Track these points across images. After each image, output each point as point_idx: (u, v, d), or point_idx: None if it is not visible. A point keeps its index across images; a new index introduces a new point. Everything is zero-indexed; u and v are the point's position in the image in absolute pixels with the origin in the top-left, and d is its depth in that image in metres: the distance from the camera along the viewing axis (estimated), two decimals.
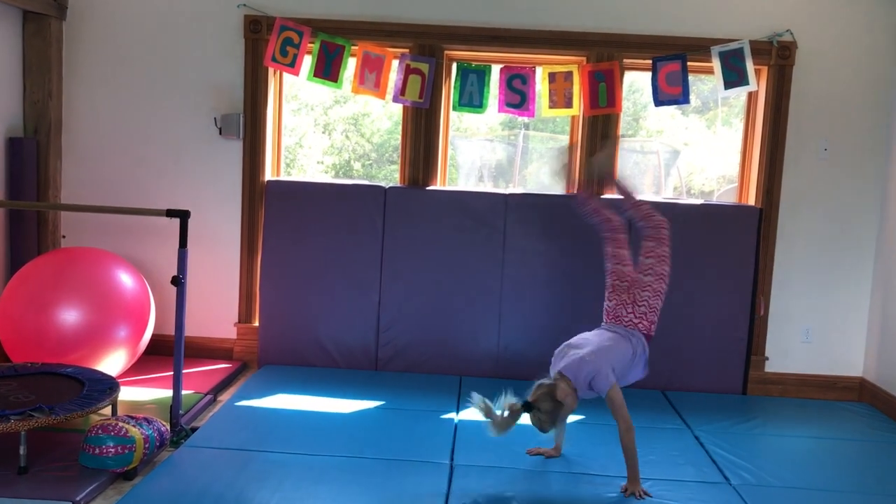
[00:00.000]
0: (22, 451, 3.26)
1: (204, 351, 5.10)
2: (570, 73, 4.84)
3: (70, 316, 4.19)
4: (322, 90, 5.86)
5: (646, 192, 6.86)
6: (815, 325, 5.04)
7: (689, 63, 4.78)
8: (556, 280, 4.94)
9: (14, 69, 4.84)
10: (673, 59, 4.78)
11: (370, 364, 4.99)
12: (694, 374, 4.93)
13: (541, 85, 4.87)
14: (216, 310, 5.14)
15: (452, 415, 4.25)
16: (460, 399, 4.51)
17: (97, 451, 3.30)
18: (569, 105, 4.88)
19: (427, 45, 4.93)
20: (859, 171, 4.95)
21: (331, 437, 3.84)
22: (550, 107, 4.89)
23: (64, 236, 5.10)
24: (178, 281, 3.84)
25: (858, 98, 4.90)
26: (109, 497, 3.19)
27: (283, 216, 4.98)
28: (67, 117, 5.07)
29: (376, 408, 4.32)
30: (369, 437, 3.86)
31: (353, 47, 4.87)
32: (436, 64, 4.89)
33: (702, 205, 4.99)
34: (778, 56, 4.83)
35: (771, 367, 5.06)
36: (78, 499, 3.08)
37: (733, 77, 4.75)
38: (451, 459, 3.65)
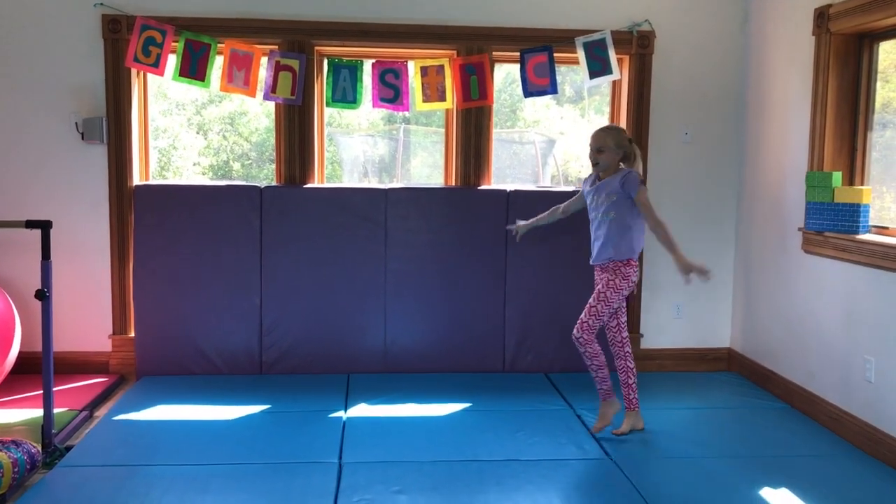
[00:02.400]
0: None
1: (77, 366, 4.88)
2: (441, 67, 4.88)
3: None
4: (193, 89, 5.68)
5: (523, 181, 7.02)
6: (685, 301, 5.29)
7: (555, 54, 4.92)
8: (438, 272, 4.99)
9: None
10: (540, 51, 4.90)
11: (254, 368, 4.90)
12: (574, 355, 5.07)
13: (414, 79, 4.89)
14: (88, 322, 4.92)
15: (341, 413, 4.23)
16: (348, 397, 4.50)
17: None
18: (442, 98, 4.92)
19: (296, 41, 4.87)
20: (719, 154, 5.23)
21: (215, 445, 3.76)
22: (424, 101, 4.92)
23: None
24: (43, 294, 3.65)
25: (715, 84, 5.17)
26: None
27: (155, 221, 4.81)
28: None
29: (262, 412, 4.25)
30: (255, 443, 3.79)
31: (219, 45, 4.75)
32: (306, 60, 4.84)
33: (574, 191, 5.14)
34: (638, 45, 5.03)
35: (646, 343, 5.29)
36: None
37: (597, 67, 4.91)
38: (340, 458, 3.64)
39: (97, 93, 4.81)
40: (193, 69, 4.71)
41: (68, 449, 3.71)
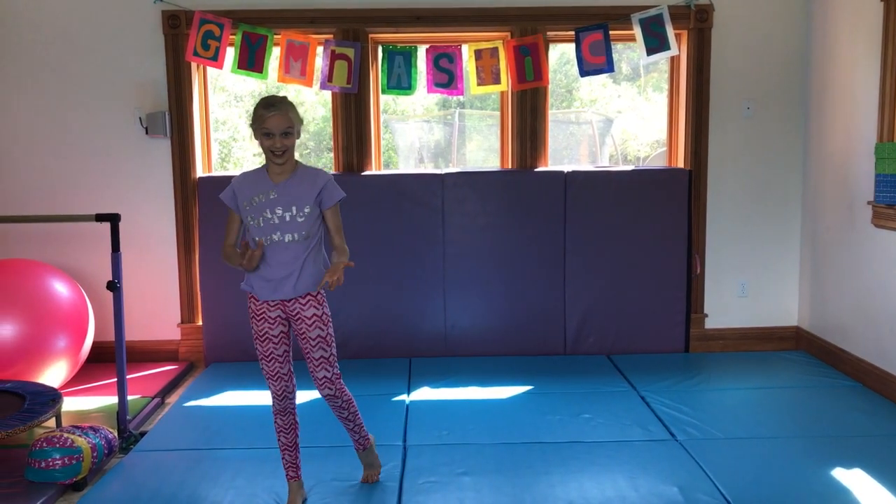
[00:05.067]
0: None
1: (148, 354, 5.04)
2: (495, 50, 4.86)
3: (4, 330, 4.09)
4: (251, 81, 5.77)
5: (581, 162, 6.95)
6: (751, 279, 5.18)
7: (611, 32, 4.84)
8: (496, 255, 4.99)
9: None
10: (595, 29, 4.83)
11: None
12: (637, 337, 5.04)
13: (468, 63, 4.88)
14: (158, 312, 5.07)
15: (404, 396, 4.28)
16: (410, 380, 4.54)
17: (43, 464, 3.24)
18: (496, 81, 4.90)
19: (351, 29, 4.90)
20: (782, 128, 5.09)
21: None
22: (479, 84, 4.90)
23: None
24: (114, 286, 3.77)
25: (776, 55, 5.03)
26: None
27: (218, 212, 4.91)
28: None
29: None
30: (320, 426, 3.86)
31: (275, 36, 4.81)
32: (361, 48, 4.87)
33: (634, 171, 5.08)
34: (696, 20, 4.92)
35: (711, 323, 5.20)
36: None
37: (654, 43, 4.82)
38: (404, 440, 3.68)
39: (159, 88, 4.92)
40: (251, 61, 4.78)
41: (142, 434, 3.83)
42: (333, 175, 4.98)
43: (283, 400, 3.07)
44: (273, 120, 2.81)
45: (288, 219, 2.87)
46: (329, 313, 3.02)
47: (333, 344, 3.02)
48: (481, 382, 4.49)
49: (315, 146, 7.92)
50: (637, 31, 4.81)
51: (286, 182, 2.91)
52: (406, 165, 7.25)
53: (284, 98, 2.88)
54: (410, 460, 3.45)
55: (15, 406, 3.61)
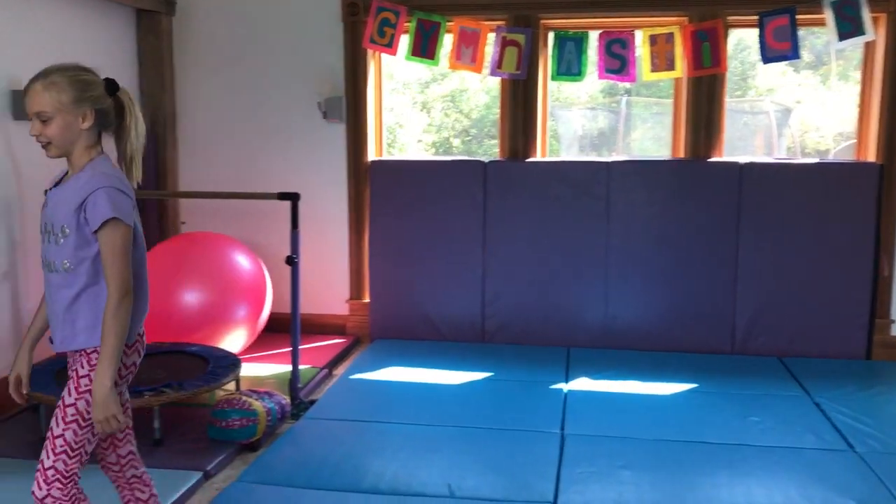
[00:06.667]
0: (156, 424, 3.48)
1: (318, 327, 5.29)
2: (671, 35, 4.70)
3: (193, 298, 4.43)
4: (418, 68, 5.90)
5: (757, 153, 6.62)
6: None
7: (798, 16, 4.56)
8: (663, 247, 4.85)
9: (131, 65, 5.11)
10: (781, 14, 4.57)
11: (477, 337, 5.05)
12: (812, 339, 4.75)
13: (641, 48, 4.76)
14: (328, 287, 5.31)
15: (561, 385, 4.26)
16: (569, 369, 4.51)
17: (223, 424, 3.49)
18: (671, 67, 4.74)
19: (523, 15, 4.90)
20: None
21: (442, 407, 3.92)
22: (652, 70, 4.77)
23: (184, 223, 5.38)
24: (292, 261, 3.99)
25: None
26: (237, 467, 3.37)
27: (388, 195, 5.08)
28: (181, 109, 5.32)
29: (485, 379, 4.37)
30: (479, 408, 3.91)
31: (448, 23, 4.89)
32: (532, 34, 4.86)
33: (818, 164, 4.78)
34: None
35: None
36: (209, 469, 3.27)
37: (848, 28, 4.49)
38: (562, 429, 3.66)
39: (337, 74, 5.13)
40: (424, 48, 4.88)
41: (312, 402, 4.04)
42: (491, 161, 5.02)
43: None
44: (27, 97, 2.06)
45: (53, 240, 2.10)
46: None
47: (76, 430, 2.10)
48: (642, 377, 4.39)
49: (477, 133, 8.01)
50: (828, 15, 4.50)
51: (62, 186, 2.14)
52: (568, 153, 7.17)
53: (59, 68, 2.08)
54: (568, 449, 3.44)
55: (200, 368, 3.89)
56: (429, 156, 5.84)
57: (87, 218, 2.05)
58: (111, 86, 2.15)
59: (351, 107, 5.13)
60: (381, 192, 5.08)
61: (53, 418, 2.12)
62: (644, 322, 4.91)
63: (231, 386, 3.94)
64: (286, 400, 3.84)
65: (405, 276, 5.09)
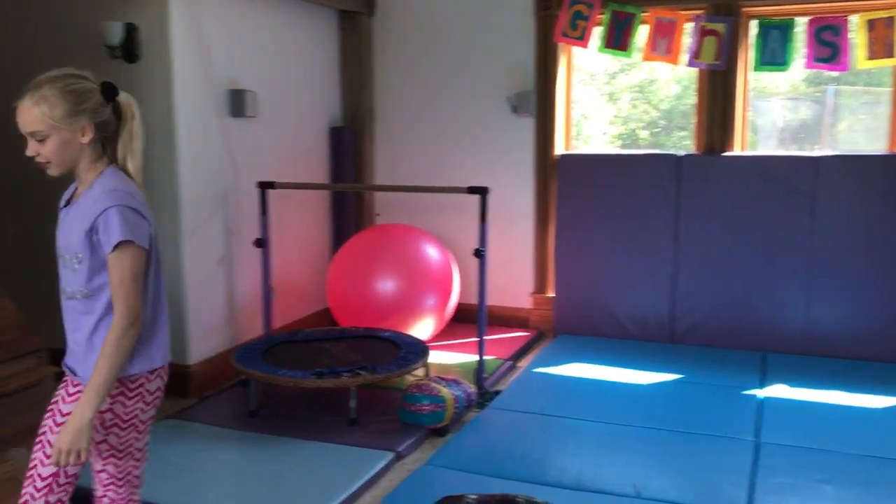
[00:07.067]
0: (352, 404, 3.68)
1: (502, 319, 5.35)
2: (891, 20, 4.32)
3: (386, 285, 4.63)
4: (604, 58, 5.80)
5: None
6: None
7: None
8: (874, 250, 4.49)
9: (333, 64, 5.41)
10: None
11: (665, 337, 4.91)
12: None
13: (856, 34, 4.41)
14: (513, 280, 5.36)
15: (756, 391, 4.06)
16: (765, 376, 4.29)
17: (413, 408, 3.63)
18: (890, 54, 4.36)
19: (724, 3, 4.69)
20: None
21: (628, 407, 3.86)
22: (869, 58, 4.41)
23: (378, 214, 5.63)
24: (480, 253, 4.07)
25: None
26: (425, 450, 3.50)
27: (575, 189, 5.05)
28: (379, 105, 5.56)
29: (674, 381, 4.25)
30: (667, 410, 3.81)
31: (643, 14, 4.77)
32: (733, 22, 4.64)
33: None
34: None
35: None
36: (400, 450, 3.42)
37: None
38: (757, 437, 3.49)
39: (527, 69, 5.16)
40: (617, 40, 4.80)
41: (496, 393, 4.10)
42: (686, 155, 4.84)
43: None
44: (18, 114, 1.89)
45: (67, 265, 1.97)
46: (129, 414, 2.00)
47: (116, 463, 2.04)
48: (846, 387, 4.09)
49: (666, 125, 7.74)
50: None
51: (73, 206, 1.98)
52: (765, 146, 6.80)
53: (50, 79, 1.88)
54: (763, 458, 3.27)
55: (392, 353, 4.06)
56: (614, 148, 5.74)
57: (100, 240, 1.88)
58: (109, 90, 1.93)
59: (540, 101, 5.14)
60: (569, 185, 5.06)
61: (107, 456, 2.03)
62: (849, 329, 4.57)
63: (420, 372, 4.07)
64: (472, 388, 3.93)
65: (591, 271, 5.04)
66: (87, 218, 1.88)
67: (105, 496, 2.06)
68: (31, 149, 1.89)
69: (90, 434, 1.86)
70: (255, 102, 4.49)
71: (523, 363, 4.70)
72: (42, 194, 2.95)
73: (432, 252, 4.83)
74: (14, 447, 2.35)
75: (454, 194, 4.86)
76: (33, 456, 2.01)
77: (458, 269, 5.03)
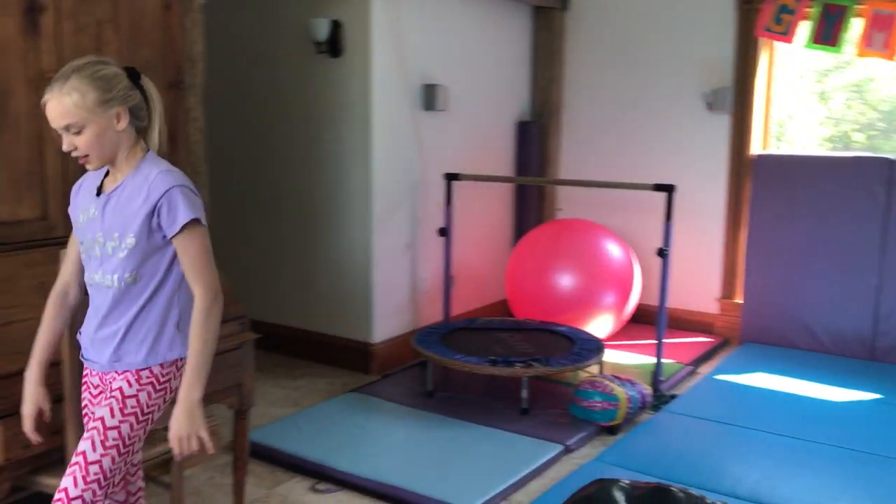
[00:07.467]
0: (524, 394, 3.72)
1: (683, 323, 5.18)
2: None
3: (564, 280, 4.62)
4: (815, 57, 5.44)
5: None
6: None
7: None
8: None
9: (524, 60, 5.47)
10: None
11: (865, 353, 4.56)
12: None
13: None
14: (697, 284, 5.18)
15: None
16: None
17: (585, 404, 3.61)
18: None
19: None
20: None
21: (815, 422, 3.63)
22: None
23: (560, 209, 5.63)
24: (663, 253, 3.97)
25: None
26: (595, 447, 3.47)
27: (772, 191, 4.79)
28: (567, 100, 5.55)
29: (872, 400, 3.94)
30: (861, 430, 3.54)
31: (857, 7, 4.44)
32: None
33: None
34: None
35: None
36: (569, 444, 3.42)
37: None
38: None
39: (725, 64, 4.95)
40: (827, 35, 4.50)
41: (673, 397, 4.00)
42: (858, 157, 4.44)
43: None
44: (48, 109, 1.80)
45: (110, 251, 1.88)
46: (151, 405, 1.91)
47: (114, 458, 1.87)
48: None
49: (886, 127, 7.12)
50: None
51: (115, 192, 1.89)
52: None
53: (75, 68, 1.80)
54: None
55: (566, 348, 4.06)
56: (822, 151, 5.37)
57: (160, 223, 1.83)
58: (133, 74, 1.87)
59: (738, 98, 4.92)
60: (765, 187, 4.81)
61: (86, 440, 1.86)
62: None
63: (594, 369, 4.05)
64: (648, 390, 3.84)
65: (785, 279, 4.77)
66: (147, 201, 1.82)
67: (80, 497, 1.83)
68: (67, 143, 1.82)
69: (203, 413, 1.84)
70: (446, 96, 4.64)
71: (704, 369, 4.54)
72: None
73: (613, 249, 4.76)
74: (215, 403, 2.60)
75: (639, 192, 4.79)
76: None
77: (639, 269, 4.93)
